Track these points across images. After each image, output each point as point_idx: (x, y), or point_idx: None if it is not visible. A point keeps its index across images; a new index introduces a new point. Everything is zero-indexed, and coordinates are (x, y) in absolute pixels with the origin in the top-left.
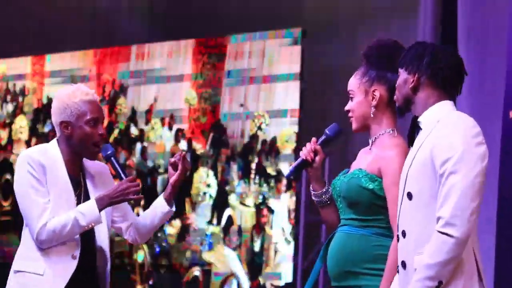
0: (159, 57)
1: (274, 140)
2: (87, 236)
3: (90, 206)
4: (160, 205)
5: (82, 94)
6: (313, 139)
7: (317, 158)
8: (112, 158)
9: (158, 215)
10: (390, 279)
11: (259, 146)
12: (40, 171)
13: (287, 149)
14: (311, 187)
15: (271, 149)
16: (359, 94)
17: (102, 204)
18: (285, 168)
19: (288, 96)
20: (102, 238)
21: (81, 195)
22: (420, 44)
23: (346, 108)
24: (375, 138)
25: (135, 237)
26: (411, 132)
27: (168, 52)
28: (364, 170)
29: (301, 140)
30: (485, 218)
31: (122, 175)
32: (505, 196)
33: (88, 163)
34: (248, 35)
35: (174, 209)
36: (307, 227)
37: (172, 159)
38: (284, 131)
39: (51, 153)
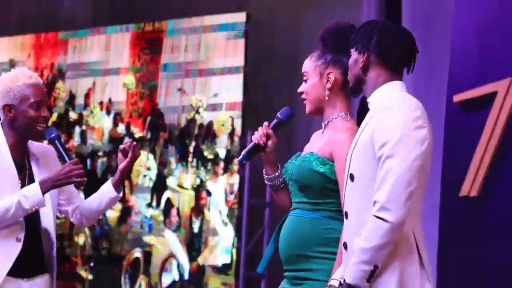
0: (97, 49)
1: (210, 124)
2: (32, 219)
3: (33, 189)
4: (107, 190)
5: (25, 77)
6: (265, 123)
7: (270, 142)
8: (56, 141)
9: (105, 200)
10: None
11: (196, 130)
12: None
13: (223, 133)
14: (264, 171)
15: (208, 133)
16: (314, 76)
17: (46, 187)
18: (222, 151)
19: (225, 83)
20: (47, 221)
21: (26, 178)
22: (370, 23)
23: (300, 90)
24: (328, 121)
25: (82, 220)
26: (359, 113)
27: (106, 43)
28: (315, 154)
29: (245, 125)
30: (429, 203)
31: (66, 158)
32: (448, 181)
33: (32, 145)
34: (186, 20)
35: (121, 194)
36: (250, 210)
37: (122, 146)
38: (220, 115)
39: None
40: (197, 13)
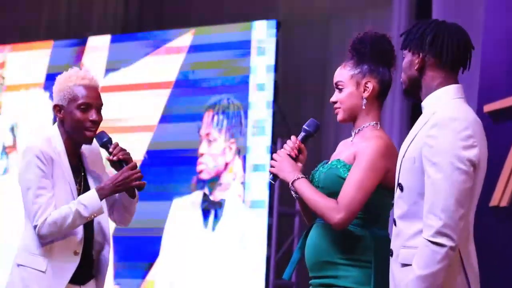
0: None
1: None
2: (86, 226)
3: (91, 197)
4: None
5: (78, 78)
6: (293, 137)
7: (301, 156)
8: (109, 146)
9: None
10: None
11: None
12: (49, 164)
13: None
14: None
15: None
16: (350, 86)
17: (103, 194)
18: None
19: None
20: (101, 226)
21: (81, 183)
22: (422, 22)
23: (333, 99)
24: (359, 130)
25: (120, 219)
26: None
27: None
28: (342, 161)
29: (275, 131)
30: None
31: (123, 163)
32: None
33: (83, 147)
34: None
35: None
36: (280, 219)
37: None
38: None
39: (55, 142)
40: (225, 20)
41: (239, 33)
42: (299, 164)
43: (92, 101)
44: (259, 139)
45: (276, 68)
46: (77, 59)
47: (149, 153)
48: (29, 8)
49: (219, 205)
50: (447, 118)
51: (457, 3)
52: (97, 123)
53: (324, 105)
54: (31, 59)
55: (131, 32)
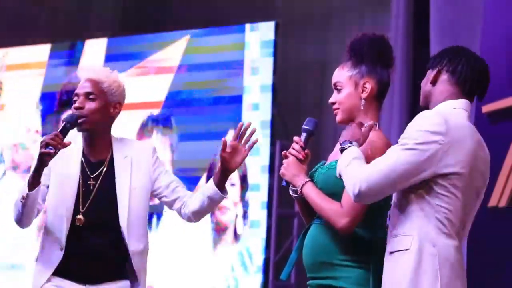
0: None
1: None
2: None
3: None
4: (209, 190)
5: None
6: (296, 138)
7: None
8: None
9: (206, 200)
10: None
11: None
12: None
13: None
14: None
15: None
16: (349, 86)
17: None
18: None
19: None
20: (128, 217)
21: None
22: (451, 47)
23: (332, 100)
24: None
25: (190, 217)
26: None
27: None
28: None
29: (275, 133)
30: None
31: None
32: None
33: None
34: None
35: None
36: (279, 220)
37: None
38: None
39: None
40: (223, 21)
41: (232, 52)
42: (304, 167)
43: None
44: (253, 158)
45: (275, 70)
46: (75, 63)
47: None
48: (27, 6)
49: None
50: (428, 111)
51: (456, 4)
52: None
53: (323, 106)
54: (26, 73)
55: (128, 32)
